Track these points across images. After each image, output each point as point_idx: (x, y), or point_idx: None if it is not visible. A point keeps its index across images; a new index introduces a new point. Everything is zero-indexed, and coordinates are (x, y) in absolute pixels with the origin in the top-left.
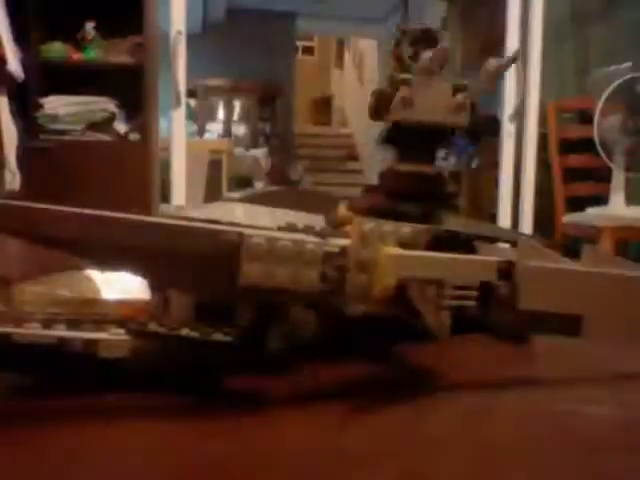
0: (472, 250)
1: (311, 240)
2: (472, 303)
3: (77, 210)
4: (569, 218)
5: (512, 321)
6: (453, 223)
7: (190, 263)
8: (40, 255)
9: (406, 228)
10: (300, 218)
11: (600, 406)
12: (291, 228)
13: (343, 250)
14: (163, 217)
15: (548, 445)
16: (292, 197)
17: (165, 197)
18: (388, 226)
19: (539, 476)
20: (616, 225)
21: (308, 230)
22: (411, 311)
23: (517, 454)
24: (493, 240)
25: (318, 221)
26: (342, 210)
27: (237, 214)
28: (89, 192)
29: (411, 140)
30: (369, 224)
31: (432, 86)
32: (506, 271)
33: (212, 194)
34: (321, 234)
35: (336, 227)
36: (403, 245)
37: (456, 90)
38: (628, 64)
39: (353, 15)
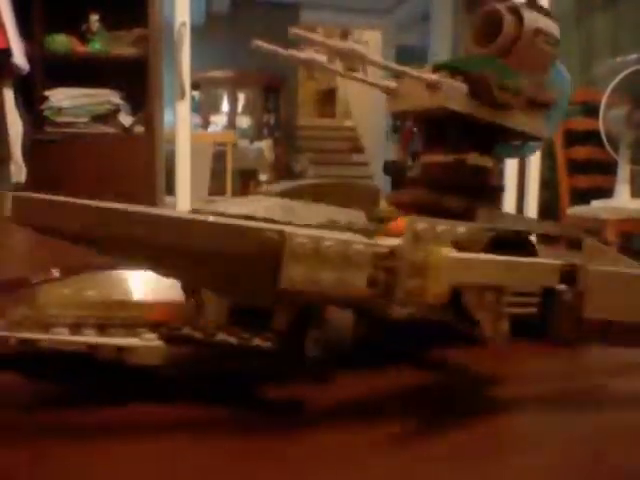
0: (533, 251)
1: (359, 240)
2: (533, 310)
3: (101, 204)
4: (574, 210)
5: (575, 330)
6: (509, 221)
7: (225, 263)
8: (65, 254)
9: (462, 228)
10: (340, 214)
11: None
12: (333, 226)
13: (393, 252)
14: (195, 212)
15: None
16: (334, 190)
17: (170, 189)
18: (442, 226)
19: None
20: (621, 218)
21: (351, 228)
22: (467, 318)
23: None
24: (554, 240)
25: (360, 217)
26: (384, 205)
27: (273, 209)
28: (94, 184)
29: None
30: (422, 223)
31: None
32: (570, 275)
33: (216, 186)
34: (365, 232)
35: (379, 224)
36: (459, 247)
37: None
38: (634, 56)
39: (358, 6)
